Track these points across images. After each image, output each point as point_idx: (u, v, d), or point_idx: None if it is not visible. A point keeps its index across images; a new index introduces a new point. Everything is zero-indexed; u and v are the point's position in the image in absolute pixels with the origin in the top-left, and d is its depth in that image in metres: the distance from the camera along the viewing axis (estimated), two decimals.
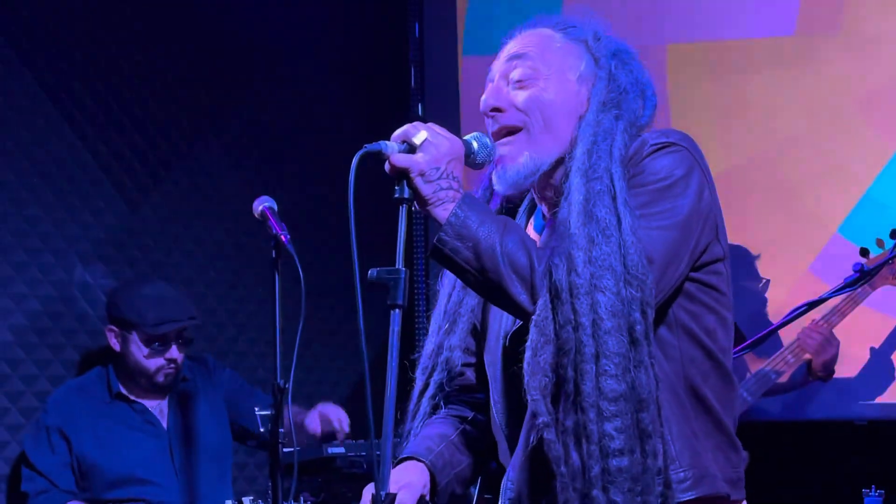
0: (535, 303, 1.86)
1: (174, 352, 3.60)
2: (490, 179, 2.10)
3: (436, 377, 2.14)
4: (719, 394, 2.00)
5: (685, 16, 4.38)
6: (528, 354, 1.86)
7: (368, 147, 1.87)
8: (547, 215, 2.11)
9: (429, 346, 2.17)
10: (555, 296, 1.84)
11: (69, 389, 3.64)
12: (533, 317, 1.86)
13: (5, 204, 3.75)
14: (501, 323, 2.08)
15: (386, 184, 1.95)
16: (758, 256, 4.28)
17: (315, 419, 3.64)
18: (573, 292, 1.83)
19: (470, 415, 2.17)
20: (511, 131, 2.04)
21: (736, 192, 4.19)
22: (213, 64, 4.42)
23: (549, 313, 1.85)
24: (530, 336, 1.86)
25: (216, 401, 3.79)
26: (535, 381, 1.84)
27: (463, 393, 2.18)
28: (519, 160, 2.02)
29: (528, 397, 1.85)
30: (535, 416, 1.85)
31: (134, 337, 3.58)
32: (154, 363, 3.59)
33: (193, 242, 4.30)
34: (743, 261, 4.27)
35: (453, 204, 1.89)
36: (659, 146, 1.95)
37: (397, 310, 1.82)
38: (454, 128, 2.11)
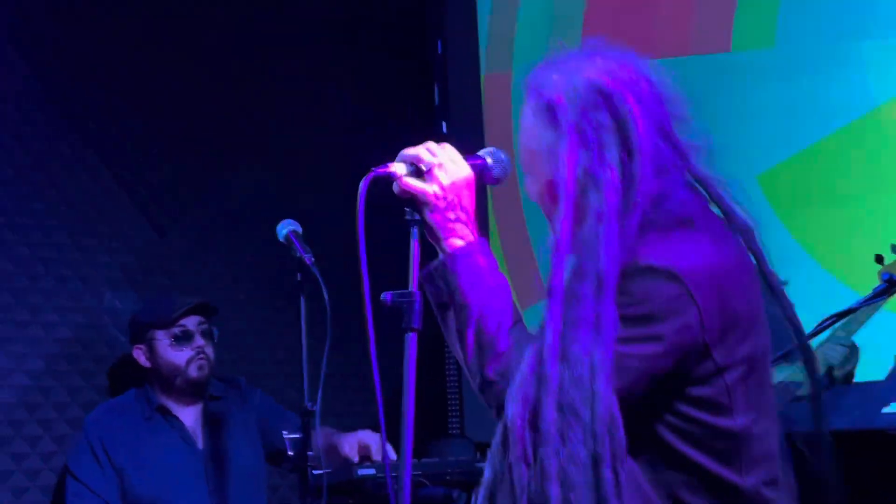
0: (481, 376, 1.79)
1: (199, 340, 3.65)
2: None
3: None
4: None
5: None
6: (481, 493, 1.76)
7: (377, 171, 1.87)
8: None
9: None
10: (510, 429, 1.71)
11: (105, 408, 3.68)
12: (488, 451, 1.76)
13: (34, 232, 3.79)
14: None
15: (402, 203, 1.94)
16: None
17: (353, 445, 3.63)
18: (539, 440, 1.70)
19: None
20: None
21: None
22: (236, 88, 4.44)
23: (501, 447, 1.73)
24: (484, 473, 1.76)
25: (249, 422, 3.80)
26: None
27: None
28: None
29: None
30: None
31: (157, 338, 3.63)
32: (183, 355, 3.63)
33: (221, 266, 4.32)
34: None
35: (457, 240, 1.86)
36: (648, 269, 1.74)
37: (412, 333, 1.82)
38: (478, 145, 2.10)
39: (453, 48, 4.94)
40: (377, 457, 3.62)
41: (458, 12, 4.93)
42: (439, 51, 4.98)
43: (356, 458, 3.60)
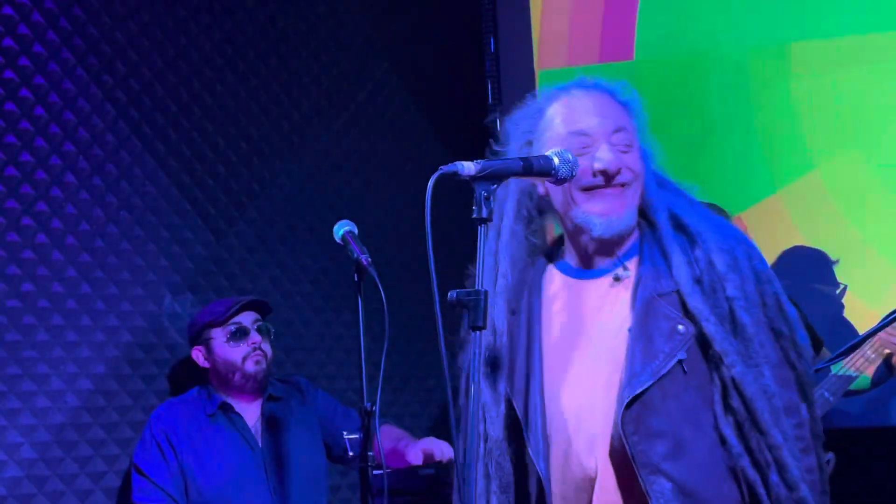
0: None
1: (255, 336, 3.69)
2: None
3: None
4: None
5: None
6: None
7: (444, 169, 1.87)
8: (574, 265, 2.20)
9: None
10: None
11: (170, 404, 3.73)
12: None
13: (95, 239, 3.82)
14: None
15: (465, 203, 1.94)
16: (836, 262, 4.19)
17: (418, 454, 3.63)
18: None
19: None
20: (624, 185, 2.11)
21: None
22: (291, 90, 4.47)
23: None
24: None
25: (310, 423, 3.82)
26: None
27: None
28: (625, 212, 2.11)
29: None
30: None
31: (213, 337, 3.68)
32: (239, 352, 3.67)
33: (279, 268, 4.34)
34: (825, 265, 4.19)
35: None
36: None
37: (479, 331, 1.81)
38: None
39: (506, 45, 4.92)
40: (442, 460, 3.62)
41: (511, 9, 4.91)
42: (492, 48, 4.97)
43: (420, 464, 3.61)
